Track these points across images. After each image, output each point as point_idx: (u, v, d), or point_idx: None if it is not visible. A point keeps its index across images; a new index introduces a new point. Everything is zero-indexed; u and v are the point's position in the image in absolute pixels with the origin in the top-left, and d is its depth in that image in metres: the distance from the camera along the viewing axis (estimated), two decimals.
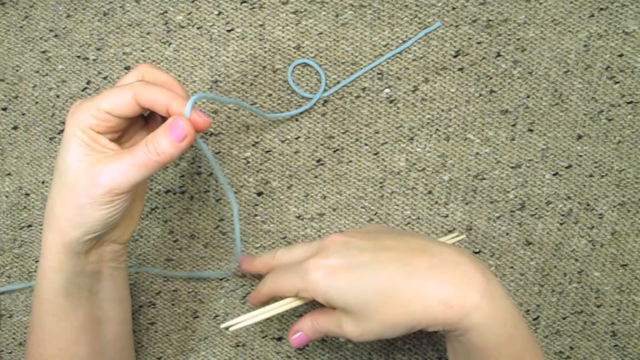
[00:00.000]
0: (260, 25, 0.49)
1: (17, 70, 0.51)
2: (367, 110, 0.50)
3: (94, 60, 0.50)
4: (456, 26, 0.49)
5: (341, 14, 0.49)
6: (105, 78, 0.50)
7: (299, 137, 0.50)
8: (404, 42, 0.49)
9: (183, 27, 0.50)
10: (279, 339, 0.52)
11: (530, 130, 0.50)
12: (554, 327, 0.51)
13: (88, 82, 0.51)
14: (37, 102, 0.51)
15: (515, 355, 0.35)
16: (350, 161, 0.50)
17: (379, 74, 0.49)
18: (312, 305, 0.51)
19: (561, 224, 0.50)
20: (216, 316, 0.52)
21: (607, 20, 0.48)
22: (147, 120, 0.41)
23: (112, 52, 0.50)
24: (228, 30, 0.50)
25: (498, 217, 0.51)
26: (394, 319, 0.35)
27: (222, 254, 0.51)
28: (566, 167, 0.50)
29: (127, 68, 0.50)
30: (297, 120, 0.50)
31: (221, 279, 0.51)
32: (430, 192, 0.50)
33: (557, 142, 0.50)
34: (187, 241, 0.51)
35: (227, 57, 0.50)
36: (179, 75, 0.50)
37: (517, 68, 0.49)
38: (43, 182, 0.51)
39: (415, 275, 0.35)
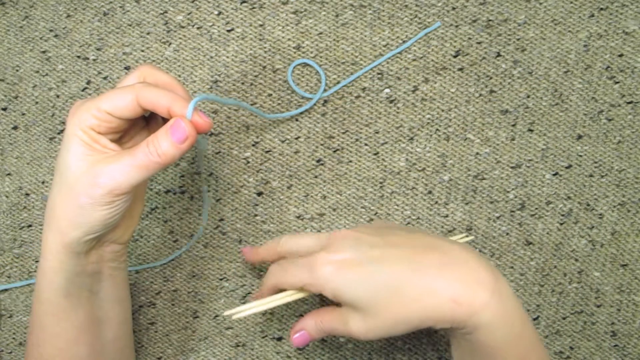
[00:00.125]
0: (260, 25, 0.49)
1: (17, 70, 0.51)
2: (367, 110, 0.50)
3: (94, 60, 0.50)
4: (456, 26, 0.49)
5: (341, 14, 0.49)
6: (105, 78, 0.50)
7: (299, 137, 0.50)
8: (404, 42, 0.49)
9: (183, 27, 0.50)
10: (279, 339, 0.52)
11: (530, 130, 0.50)
12: (554, 327, 0.51)
13: (88, 82, 0.51)
14: (37, 102, 0.51)
15: (521, 355, 0.35)
16: (350, 161, 0.50)
17: (379, 74, 0.49)
18: (314, 302, 0.51)
19: (561, 224, 0.50)
20: (216, 316, 0.52)
21: (607, 20, 0.48)
22: (148, 121, 0.41)
23: (112, 52, 0.50)
24: (228, 30, 0.50)
25: (498, 217, 0.51)
26: (403, 315, 0.35)
27: (222, 254, 0.51)
28: (566, 167, 0.50)
29: (127, 68, 0.50)
30: (297, 120, 0.50)
31: (221, 279, 0.51)
32: (430, 192, 0.50)
33: (557, 142, 0.50)
34: (187, 241, 0.51)
35: (227, 57, 0.50)
36: (179, 75, 0.50)
37: (517, 68, 0.49)
38: (43, 182, 0.51)
39: (426, 272, 0.35)
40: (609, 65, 0.49)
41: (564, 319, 0.51)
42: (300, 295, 0.41)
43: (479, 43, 0.49)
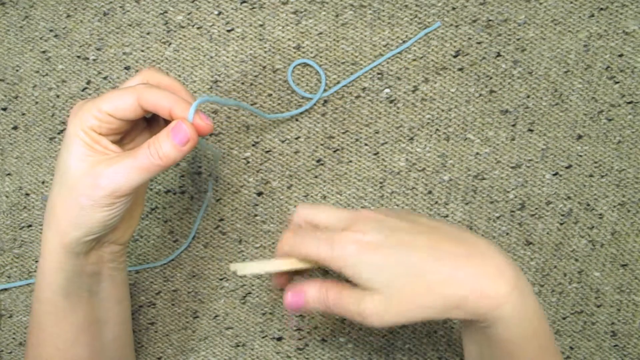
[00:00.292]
0: (260, 25, 0.49)
1: (17, 70, 0.51)
2: (367, 110, 0.50)
3: (94, 60, 0.50)
4: (456, 26, 0.49)
5: (341, 14, 0.49)
6: (105, 78, 0.50)
7: (299, 137, 0.50)
8: (404, 42, 0.49)
9: (183, 27, 0.50)
10: (279, 339, 0.52)
11: (530, 130, 0.50)
12: (554, 327, 0.51)
13: (88, 82, 0.51)
14: (37, 102, 0.51)
15: (537, 350, 0.35)
16: (350, 161, 0.50)
17: (379, 74, 0.49)
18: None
19: (561, 224, 0.50)
20: (216, 316, 0.52)
21: (607, 20, 0.48)
22: (149, 122, 0.41)
23: (112, 52, 0.50)
24: (228, 30, 0.50)
25: (498, 217, 0.51)
26: (425, 301, 0.35)
27: (222, 254, 0.51)
28: (566, 167, 0.50)
29: (127, 68, 0.50)
30: (297, 120, 0.50)
31: (221, 279, 0.51)
32: (430, 192, 0.50)
33: (557, 142, 0.50)
34: (187, 241, 0.51)
35: (227, 57, 0.50)
36: (179, 75, 0.50)
37: (517, 68, 0.49)
38: (43, 182, 0.51)
39: (451, 261, 0.35)
40: (609, 65, 0.49)
41: (564, 319, 0.51)
42: (306, 265, 0.39)
43: (479, 43, 0.49)
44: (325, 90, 0.50)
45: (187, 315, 0.52)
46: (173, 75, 0.50)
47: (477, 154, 0.50)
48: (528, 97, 0.49)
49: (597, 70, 0.49)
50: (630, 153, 0.50)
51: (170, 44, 0.50)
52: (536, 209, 0.50)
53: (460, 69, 0.49)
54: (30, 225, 0.52)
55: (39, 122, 0.51)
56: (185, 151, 0.36)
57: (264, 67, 0.50)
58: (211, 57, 0.50)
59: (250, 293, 0.52)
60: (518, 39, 0.49)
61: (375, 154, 0.50)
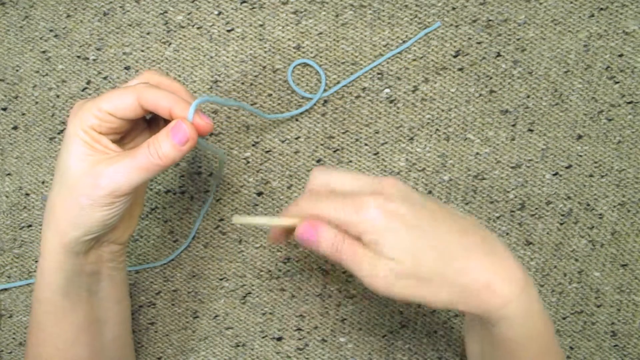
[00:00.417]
0: (260, 25, 0.49)
1: (17, 70, 0.51)
2: (367, 110, 0.50)
3: (94, 60, 0.50)
4: (456, 26, 0.49)
5: (341, 14, 0.49)
6: (105, 78, 0.50)
7: (299, 137, 0.50)
8: (404, 42, 0.49)
9: (183, 27, 0.50)
10: (279, 339, 0.52)
11: (530, 130, 0.50)
12: (554, 327, 0.51)
13: (88, 82, 0.51)
14: (37, 102, 0.51)
15: (540, 351, 0.36)
16: (350, 161, 0.50)
17: (379, 74, 0.49)
18: (314, 303, 0.51)
19: (561, 224, 0.50)
20: (216, 316, 0.52)
21: (607, 20, 0.48)
22: (149, 123, 0.41)
23: (112, 52, 0.50)
24: (228, 30, 0.50)
25: (498, 217, 0.51)
26: (436, 284, 0.34)
27: (222, 254, 0.51)
28: (566, 167, 0.50)
29: (127, 68, 0.50)
30: (297, 120, 0.50)
31: (221, 279, 0.51)
32: (430, 192, 0.50)
33: (557, 142, 0.50)
34: (187, 241, 0.51)
35: (227, 57, 0.50)
36: (179, 75, 0.50)
37: (517, 68, 0.49)
38: (43, 182, 0.51)
39: (470, 253, 0.35)
40: (609, 65, 0.49)
41: (564, 319, 0.51)
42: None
43: (479, 43, 0.49)
44: (325, 90, 0.50)
45: (187, 315, 0.52)
46: (173, 75, 0.50)
47: (477, 154, 0.50)
48: (528, 97, 0.49)
49: (597, 70, 0.49)
50: (630, 153, 0.50)
51: (170, 44, 0.50)
52: (536, 209, 0.50)
53: (460, 69, 0.49)
54: (30, 225, 0.52)
55: (39, 122, 0.51)
56: (185, 151, 0.36)
57: (264, 67, 0.50)
58: (211, 57, 0.50)
59: (250, 293, 0.52)
60: (518, 39, 0.49)
61: (375, 154, 0.50)
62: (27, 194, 0.51)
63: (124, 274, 0.42)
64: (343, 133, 0.50)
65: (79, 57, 0.50)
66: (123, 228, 0.40)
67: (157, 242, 0.51)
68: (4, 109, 0.51)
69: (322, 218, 0.36)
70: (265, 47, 0.50)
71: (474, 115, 0.50)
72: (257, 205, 0.51)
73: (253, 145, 0.50)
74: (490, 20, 0.49)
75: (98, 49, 0.50)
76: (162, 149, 0.35)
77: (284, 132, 0.50)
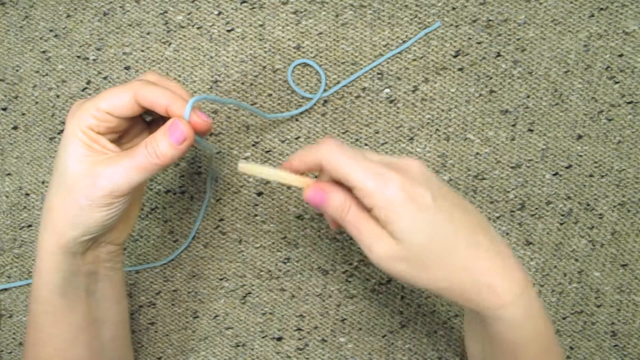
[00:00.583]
0: (260, 25, 0.49)
1: (17, 70, 0.51)
2: (367, 110, 0.50)
3: (94, 60, 0.50)
4: (456, 26, 0.49)
5: (341, 14, 0.49)
6: (105, 78, 0.50)
7: (299, 137, 0.50)
8: (404, 42, 0.49)
9: (183, 27, 0.50)
10: (279, 339, 0.52)
11: (530, 130, 0.50)
12: (553, 327, 0.51)
13: (88, 82, 0.51)
14: (37, 102, 0.51)
15: (540, 352, 0.36)
16: None
17: (379, 74, 0.49)
18: (314, 302, 0.51)
19: (561, 224, 0.50)
20: (216, 316, 0.52)
21: (607, 20, 0.48)
22: (149, 124, 0.41)
23: (112, 52, 0.50)
24: (228, 30, 0.50)
25: (498, 217, 0.51)
26: (439, 274, 0.34)
27: (222, 254, 0.51)
28: (566, 167, 0.50)
29: (127, 68, 0.50)
30: (297, 120, 0.50)
31: (221, 279, 0.51)
32: None
33: (557, 142, 0.50)
34: (187, 241, 0.51)
35: (227, 57, 0.50)
36: (179, 75, 0.50)
37: (517, 68, 0.49)
38: (43, 182, 0.51)
39: (479, 251, 0.35)
40: (609, 65, 0.49)
41: (564, 319, 0.51)
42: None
43: (479, 43, 0.49)
44: (325, 90, 0.50)
45: (187, 315, 0.52)
46: (173, 75, 0.50)
47: (477, 154, 0.50)
48: (528, 97, 0.49)
49: (597, 70, 0.49)
50: (630, 153, 0.50)
51: (170, 44, 0.50)
52: (536, 209, 0.50)
53: (460, 69, 0.49)
54: (30, 225, 0.52)
55: (39, 122, 0.51)
56: (183, 149, 0.36)
57: (264, 67, 0.50)
58: (211, 57, 0.50)
59: (250, 293, 0.52)
60: (518, 39, 0.49)
61: None
62: (27, 194, 0.51)
63: (121, 274, 0.42)
64: (343, 133, 0.50)
65: (79, 57, 0.50)
66: (121, 229, 0.40)
67: (157, 242, 0.51)
68: (4, 109, 0.51)
69: (343, 175, 0.35)
70: (265, 47, 0.50)
71: (474, 115, 0.50)
72: (257, 205, 0.51)
73: (253, 145, 0.50)
74: (490, 20, 0.49)
75: (98, 49, 0.50)
76: (160, 148, 0.35)
77: (284, 132, 0.50)
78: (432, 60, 0.49)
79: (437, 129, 0.50)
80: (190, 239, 0.51)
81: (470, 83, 0.49)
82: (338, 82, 0.50)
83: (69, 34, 0.50)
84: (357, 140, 0.50)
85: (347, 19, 0.49)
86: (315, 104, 0.50)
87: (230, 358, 0.52)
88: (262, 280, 0.51)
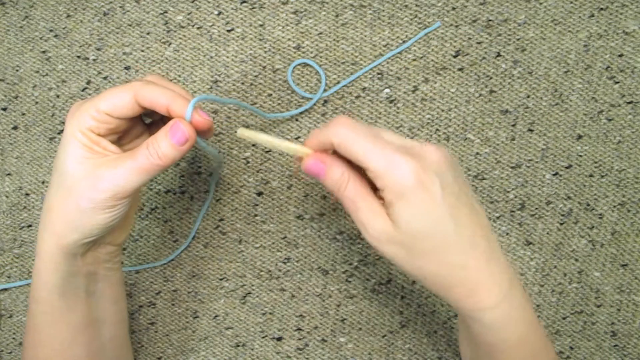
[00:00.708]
0: (260, 25, 0.49)
1: (17, 70, 0.51)
2: (367, 110, 0.50)
3: (94, 60, 0.50)
4: (456, 26, 0.49)
5: (341, 14, 0.49)
6: (105, 78, 0.50)
7: (299, 137, 0.50)
8: (404, 42, 0.49)
9: (183, 27, 0.50)
10: (279, 339, 0.52)
11: (530, 130, 0.50)
12: (554, 327, 0.51)
13: (88, 82, 0.51)
14: (37, 102, 0.51)
15: (524, 358, 0.35)
16: None
17: (379, 74, 0.49)
18: (314, 302, 0.51)
19: (561, 224, 0.50)
20: (216, 316, 0.52)
21: (607, 20, 0.48)
22: (149, 126, 0.41)
23: (112, 52, 0.50)
24: (228, 30, 0.50)
25: (498, 217, 0.51)
26: (429, 268, 0.34)
27: (222, 254, 0.51)
28: (566, 167, 0.50)
29: (127, 68, 0.50)
30: (297, 120, 0.50)
31: (221, 279, 0.51)
32: None
33: (557, 142, 0.50)
34: (187, 241, 0.51)
35: (227, 57, 0.50)
36: (179, 75, 0.50)
37: (517, 68, 0.49)
38: (43, 182, 0.51)
39: (475, 252, 0.34)
40: (609, 65, 0.49)
41: (564, 319, 0.51)
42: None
43: (479, 43, 0.49)
44: (325, 90, 0.50)
45: (187, 315, 0.52)
46: (173, 75, 0.50)
47: (477, 154, 0.50)
48: (528, 97, 0.49)
49: (597, 70, 0.49)
50: (630, 153, 0.50)
51: (170, 44, 0.50)
52: (536, 209, 0.50)
53: (460, 69, 0.49)
54: (30, 225, 0.52)
55: (39, 122, 0.51)
56: (184, 150, 0.35)
57: (264, 67, 0.50)
58: (211, 57, 0.50)
59: (250, 293, 0.52)
60: (518, 39, 0.49)
61: None
62: (27, 194, 0.51)
63: (120, 274, 0.42)
64: None
65: (79, 57, 0.50)
66: (120, 229, 0.40)
67: (157, 242, 0.51)
68: (4, 109, 0.51)
69: (355, 155, 0.34)
70: (265, 47, 0.50)
71: (474, 115, 0.50)
72: (257, 205, 0.51)
73: (253, 145, 0.50)
74: (490, 20, 0.49)
75: (98, 49, 0.50)
76: (162, 149, 0.35)
77: (284, 132, 0.50)
78: (432, 60, 0.49)
79: (437, 129, 0.50)
80: (190, 239, 0.51)
81: (470, 83, 0.49)
82: (338, 82, 0.50)
83: (69, 34, 0.50)
84: None
85: (347, 19, 0.49)
86: (315, 104, 0.50)
87: (230, 358, 0.52)
88: (262, 280, 0.51)
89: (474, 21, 0.49)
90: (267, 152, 0.50)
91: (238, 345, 0.52)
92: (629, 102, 0.49)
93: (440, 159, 0.34)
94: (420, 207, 0.33)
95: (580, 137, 0.50)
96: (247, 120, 0.50)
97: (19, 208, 0.51)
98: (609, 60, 0.49)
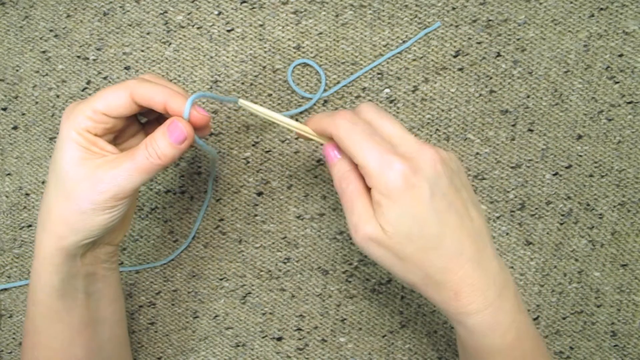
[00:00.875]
0: (260, 25, 0.49)
1: (17, 70, 0.51)
2: None
3: (94, 60, 0.50)
4: (456, 26, 0.49)
5: (341, 14, 0.49)
6: (105, 78, 0.50)
7: (298, 137, 0.50)
8: (404, 42, 0.49)
9: (183, 27, 0.50)
10: (279, 339, 0.52)
11: (530, 130, 0.50)
12: (554, 327, 0.51)
13: (88, 82, 0.51)
14: (37, 102, 0.51)
15: None
16: None
17: (379, 74, 0.49)
18: (314, 302, 0.51)
19: (561, 224, 0.50)
20: (216, 316, 0.52)
21: (607, 20, 0.48)
22: (144, 125, 0.41)
23: (112, 52, 0.50)
24: (228, 30, 0.50)
25: (498, 217, 0.51)
26: (413, 270, 0.34)
27: (222, 254, 0.51)
28: (566, 167, 0.50)
29: (127, 68, 0.50)
30: (297, 120, 0.50)
31: (221, 279, 0.51)
32: None
33: (557, 142, 0.50)
34: (187, 241, 0.51)
35: (227, 57, 0.50)
36: (179, 75, 0.50)
37: (517, 68, 0.49)
38: (43, 182, 0.51)
39: (460, 258, 0.34)
40: (609, 65, 0.49)
41: (564, 319, 0.51)
42: (318, 139, 0.37)
43: (479, 43, 0.49)
44: (325, 90, 0.50)
45: (187, 315, 0.52)
46: (173, 75, 0.50)
47: (477, 154, 0.50)
48: (528, 97, 0.49)
49: (597, 70, 0.49)
50: (630, 153, 0.50)
51: (170, 44, 0.50)
52: (536, 209, 0.50)
53: (460, 69, 0.49)
54: (30, 225, 0.52)
55: (39, 122, 0.51)
56: (183, 148, 0.35)
57: (264, 67, 0.50)
58: (211, 57, 0.50)
59: (250, 293, 0.52)
60: (518, 39, 0.49)
61: None
62: (27, 194, 0.51)
63: (117, 274, 0.42)
64: None
65: (79, 57, 0.50)
66: (119, 229, 0.40)
67: (157, 242, 0.51)
68: (4, 109, 0.51)
69: (349, 151, 0.35)
70: (265, 47, 0.50)
71: (474, 115, 0.50)
72: (257, 205, 0.51)
73: (253, 145, 0.50)
74: (490, 20, 0.49)
75: (98, 49, 0.50)
76: (161, 148, 0.35)
77: (284, 132, 0.50)
78: (432, 60, 0.49)
79: (437, 129, 0.50)
80: (190, 239, 0.51)
81: (470, 83, 0.49)
82: (338, 82, 0.50)
83: (69, 34, 0.50)
84: None
85: (347, 19, 0.49)
86: (315, 104, 0.50)
87: (230, 358, 0.52)
88: (262, 280, 0.51)
89: (474, 21, 0.49)
90: (267, 152, 0.50)
91: (238, 345, 0.52)
92: (629, 102, 0.49)
93: (436, 163, 0.34)
94: (406, 210, 0.33)
95: (580, 137, 0.50)
96: (247, 121, 0.50)
97: (19, 208, 0.51)
98: (609, 60, 0.49)
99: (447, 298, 0.34)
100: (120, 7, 0.50)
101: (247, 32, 0.49)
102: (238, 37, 0.49)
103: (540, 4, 0.48)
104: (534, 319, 0.51)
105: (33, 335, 0.39)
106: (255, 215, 0.51)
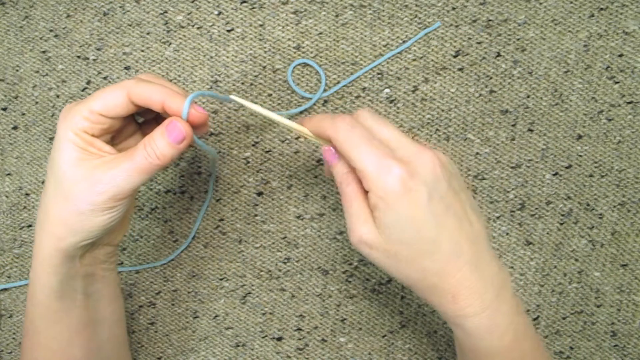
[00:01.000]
0: (260, 25, 0.49)
1: (17, 70, 0.51)
2: None
3: (94, 60, 0.50)
4: (456, 26, 0.49)
5: (341, 14, 0.49)
6: (105, 78, 0.50)
7: (299, 137, 0.50)
8: (404, 42, 0.49)
9: (183, 27, 0.50)
10: (279, 339, 0.52)
11: (530, 130, 0.50)
12: (554, 327, 0.51)
13: (88, 82, 0.51)
14: (37, 102, 0.51)
15: None
16: None
17: (379, 74, 0.49)
18: (314, 302, 0.51)
19: (561, 224, 0.50)
20: (216, 316, 0.52)
21: (607, 20, 0.48)
22: (141, 125, 0.41)
23: (112, 52, 0.50)
24: (228, 30, 0.50)
25: (498, 217, 0.51)
26: (409, 272, 0.35)
27: (222, 254, 0.51)
28: (566, 167, 0.50)
29: (127, 68, 0.50)
30: (296, 120, 0.50)
31: (221, 279, 0.51)
32: None
33: (557, 142, 0.50)
34: (187, 241, 0.51)
35: (227, 57, 0.50)
36: (179, 75, 0.50)
37: (517, 68, 0.49)
38: (43, 182, 0.51)
39: (457, 261, 0.34)
40: (609, 65, 0.49)
41: (564, 319, 0.51)
42: (316, 141, 0.38)
43: (479, 43, 0.49)
44: (325, 90, 0.50)
45: (187, 315, 0.52)
46: (173, 75, 0.50)
47: (477, 154, 0.50)
48: (528, 97, 0.49)
49: (597, 70, 0.49)
50: (630, 153, 0.50)
51: (170, 44, 0.50)
52: (536, 209, 0.50)
53: (460, 69, 0.49)
54: (30, 225, 0.52)
55: (39, 122, 0.51)
56: (182, 148, 0.35)
57: (264, 67, 0.50)
58: (211, 57, 0.50)
59: (250, 293, 0.52)
60: (518, 39, 0.49)
61: None
62: (27, 194, 0.51)
63: (115, 274, 0.42)
64: None
65: (79, 57, 0.50)
66: (118, 229, 0.40)
67: (157, 242, 0.51)
68: (4, 109, 0.51)
69: (347, 155, 0.35)
70: (265, 47, 0.50)
71: (474, 115, 0.50)
72: (257, 205, 0.51)
73: (253, 145, 0.50)
74: (490, 20, 0.49)
75: (98, 49, 0.50)
76: (159, 148, 0.35)
77: (284, 132, 0.50)
78: (432, 60, 0.49)
79: (437, 129, 0.50)
80: (190, 239, 0.51)
81: (470, 83, 0.49)
82: (338, 82, 0.50)
83: (69, 34, 0.50)
84: None
85: (347, 19, 0.49)
86: (315, 104, 0.50)
87: (230, 358, 0.52)
88: (262, 280, 0.51)
89: (474, 21, 0.49)
90: (267, 152, 0.50)
91: (238, 345, 0.52)
92: (629, 102, 0.49)
93: (435, 167, 0.34)
94: (402, 214, 0.33)
95: (580, 137, 0.50)
96: (247, 121, 0.50)
97: (19, 208, 0.51)
98: (609, 60, 0.49)
99: (445, 301, 0.34)
100: (120, 7, 0.50)
101: (247, 32, 0.49)
102: (238, 37, 0.49)
103: (540, 4, 0.48)
104: (534, 319, 0.51)
105: (32, 336, 0.39)
106: (255, 215, 0.51)
